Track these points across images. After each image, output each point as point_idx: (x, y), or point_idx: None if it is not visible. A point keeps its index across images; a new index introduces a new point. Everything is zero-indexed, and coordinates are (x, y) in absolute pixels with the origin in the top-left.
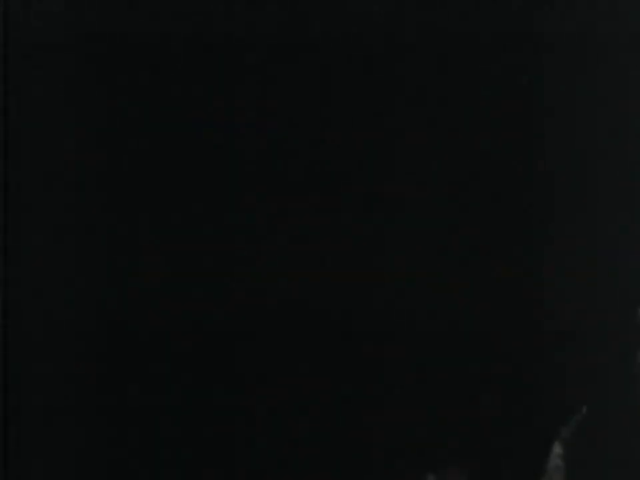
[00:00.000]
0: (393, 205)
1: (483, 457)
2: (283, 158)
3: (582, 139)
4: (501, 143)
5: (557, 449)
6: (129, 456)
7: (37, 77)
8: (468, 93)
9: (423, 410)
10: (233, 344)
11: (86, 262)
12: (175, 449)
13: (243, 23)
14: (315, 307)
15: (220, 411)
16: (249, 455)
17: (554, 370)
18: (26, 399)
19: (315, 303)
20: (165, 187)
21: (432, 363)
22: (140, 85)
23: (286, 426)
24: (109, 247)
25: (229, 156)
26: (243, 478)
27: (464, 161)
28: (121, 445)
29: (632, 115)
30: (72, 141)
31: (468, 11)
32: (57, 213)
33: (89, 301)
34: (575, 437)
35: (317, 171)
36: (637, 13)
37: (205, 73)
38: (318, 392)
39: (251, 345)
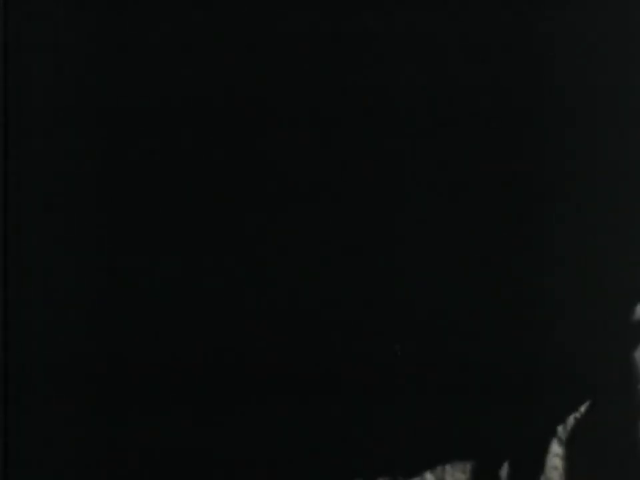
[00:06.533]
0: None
1: (481, 456)
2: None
3: (581, 138)
4: (500, 144)
5: (556, 448)
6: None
7: (37, 80)
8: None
9: (421, 409)
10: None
11: (86, 263)
12: (178, 449)
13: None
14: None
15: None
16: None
17: (553, 369)
18: (26, 397)
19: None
20: (167, 195)
21: (430, 361)
22: (141, 87)
23: (284, 426)
24: (109, 255)
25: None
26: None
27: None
28: (122, 446)
29: (632, 116)
30: (72, 151)
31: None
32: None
33: (88, 302)
34: (574, 437)
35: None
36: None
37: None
38: (317, 391)
39: (252, 346)
